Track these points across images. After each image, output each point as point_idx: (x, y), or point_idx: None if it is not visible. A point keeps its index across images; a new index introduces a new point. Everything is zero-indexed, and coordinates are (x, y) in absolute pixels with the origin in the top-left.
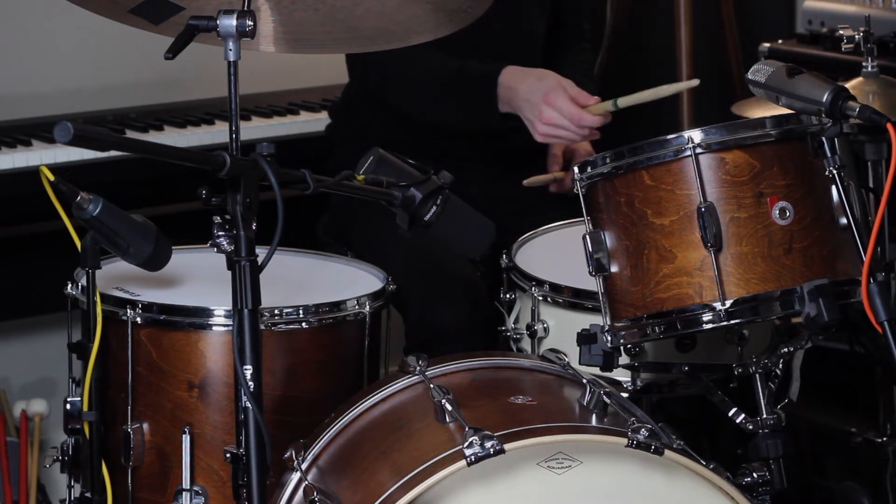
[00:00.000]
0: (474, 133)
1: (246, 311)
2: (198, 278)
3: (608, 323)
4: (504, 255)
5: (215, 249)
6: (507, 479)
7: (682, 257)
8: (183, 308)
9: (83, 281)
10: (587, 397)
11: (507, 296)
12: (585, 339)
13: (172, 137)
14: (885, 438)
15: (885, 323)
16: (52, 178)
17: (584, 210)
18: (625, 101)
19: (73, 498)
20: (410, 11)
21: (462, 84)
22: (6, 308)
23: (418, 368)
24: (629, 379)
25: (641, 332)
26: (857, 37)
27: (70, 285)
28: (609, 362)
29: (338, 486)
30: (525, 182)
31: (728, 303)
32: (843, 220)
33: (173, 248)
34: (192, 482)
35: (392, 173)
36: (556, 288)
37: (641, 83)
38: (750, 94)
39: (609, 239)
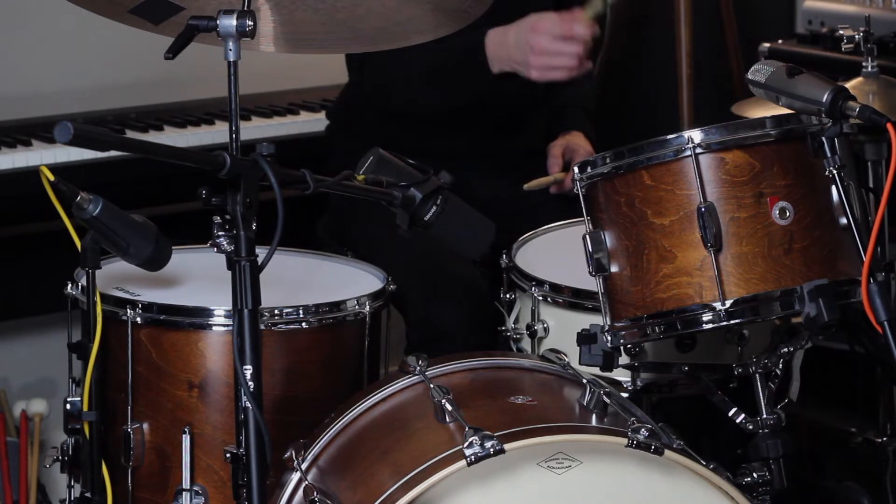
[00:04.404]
0: (476, 129)
1: (246, 311)
2: (198, 278)
3: (608, 323)
4: (504, 255)
5: (215, 249)
6: (507, 479)
7: (682, 257)
8: (183, 308)
9: (83, 281)
10: (587, 397)
11: (507, 296)
12: (585, 339)
13: (172, 137)
14: (885, 438)
15: (885, 323)
16: (52, 178)
17: (584, 210)
18: None
19: (73, 498)
20: (410, 11)
21: (451, 59)
22: (6, 308)
23: (418, 368)
24: (629, 379)
25: (641, 332)
26: (857, 37)
27: (70, 285)
28: (609, 362)
29: (338, 486)
30: (525, 186)
31: (728, 303)
32: (843, 220)
33: (173, 248)
34: (192, 482)
35: (392, 173)
36: (556, 288)
37: (641, 83)
38: (750, 94)
39: (609, 239)
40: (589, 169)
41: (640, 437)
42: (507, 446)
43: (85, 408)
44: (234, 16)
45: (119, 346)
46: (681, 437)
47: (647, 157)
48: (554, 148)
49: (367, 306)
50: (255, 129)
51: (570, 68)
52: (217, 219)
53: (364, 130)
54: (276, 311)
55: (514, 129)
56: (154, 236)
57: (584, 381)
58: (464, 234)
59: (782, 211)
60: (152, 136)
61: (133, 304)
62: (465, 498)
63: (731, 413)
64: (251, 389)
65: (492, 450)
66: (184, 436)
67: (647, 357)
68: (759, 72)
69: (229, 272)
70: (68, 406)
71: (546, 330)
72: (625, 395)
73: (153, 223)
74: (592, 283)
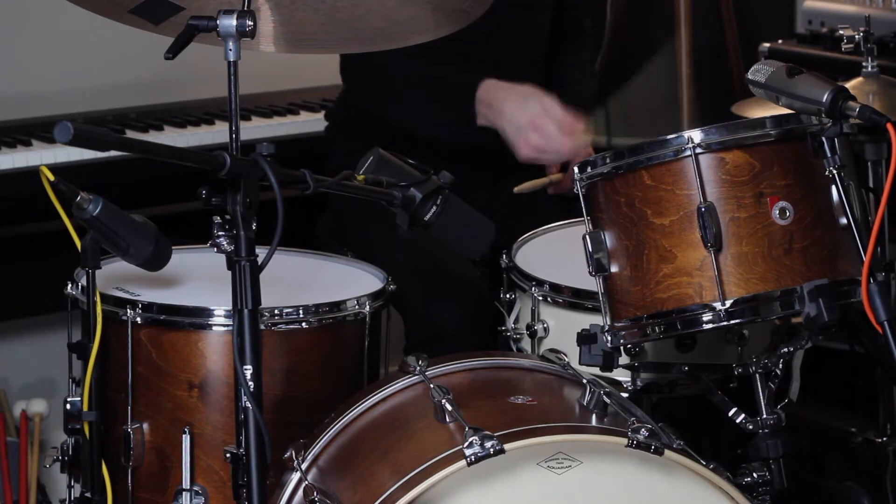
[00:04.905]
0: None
1: (246, 311)
2: (198, 278)
3: (608, 323)
4: (504, 255)
5: (215, 249)
6: (507, 479)
7: (682, 257)
8: (183, 308)
9: (83, 281)
10: (587, 397)
11: (507, 296)
12: (585, 339)
13: (172, 137)
14: (885, 438)
15: (885, 323)
16: (52, 178)
17: (584, 210)
18: (619, 140)
19: (73, 498)
20: (410, 11)
21: (439, 95)
22: (6, 308)
23: (418, 368)
24: (629, 379)
25: (641, 332)
26: (857, 37)
27: (70, 285)
28: (609, 362)
29: (338, 486)
30: (515, 189)
31: (728, 303)
32: (843, 220)
33: (173, 248)
34: (192, 482)
35: (392, 173)
36: (556, 288)
37: (641, 83)
38: (750, 94)
39: (609, 239)
40: (589, 169)
41: (640, 437)
42: (507, 446)
43: (85, 408)
44: (234, 16)
45: (119, 346)
46: (681, 437)
47: (647, 157)
48: None
49: (367, 306)
50: (255, 129)
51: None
52: (217, 219)
53: (364, 130)
54: (276, 311)
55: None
56: (154, 236)
57: (584, 381)
58: (464, 234)
59: (782, 211)
60: (152, 136)
61: (133, 304)
62: (465, 498)
63: (731, 413)
64: (251, 389)
65: (492, 450)
66: (184, 436)
67: (647, 357)
68: (759, 72)
69: (229, 272)
70: (68, 406)
71: (546, 330)
72: (625, 395)
73: (153, 223)
74: (592, 283)
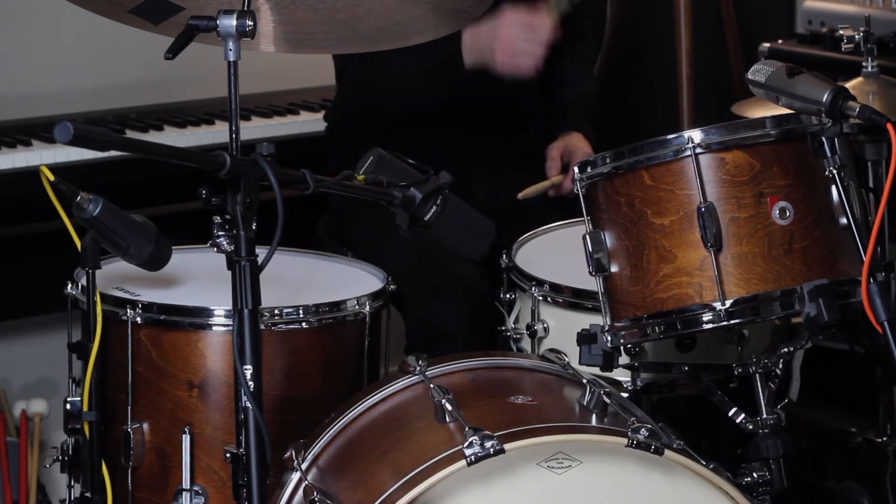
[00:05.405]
0: (476, 130)
1: (246, 311)
2: (198, 278)
3: (608, 323)
4: (504, 255)
5: (215, 249)
6: (507, 479)
7: (682, 257)
8: (183, 308)
9: (83, 281)
10: (587, 397)
11: (507, 296)
12: (585, 339)
13: (172, 137)
14: (885, 438)
15: (885, 323)
16: (52, 178)
17: (584, 210)
18: None
19: (73, 498)
20: (410, 11)
21: (428, 54)
22: (6, 308)
23: (418, 368)
24: (629, 379)
25: (641, 332)
26: (857, 37)
27: (70, 285)
28: (609, 362)
29: (338, 486)
30: (520, 195)
31: (728, 303)
32: (843, 220)
33: (173, 248)
34: (192, 482)
35: (392, 173)
36: (556, 288)
37: (641, 82)
38: (750, 94)
39: (609, 239)
40: (589, 169)
41: (640, 437)
42: (507, 446)
43: (85, 408)
44: (234, 16)
45: (119, 346)
46: (681, 437)
47: (647, 157)
48: (552, 150)
49: (367, 306)
50: (255, 129)
51: (533, 61)
52: (217, 219)
53: (363, 130)
54: (276, 311)
55: (514, 129)
56: (154, 236)
57: (584, 381)
58: (464, 234)
59: (782, 211)
60: (152, 136)
61: (133, 304)
62: (465, 498)
63: (731, 413)
64: (251, 389)
65: (492, 450)
66: (184, 436)
67: (647, 357)
68: (759, 72)
69: (229, 272)
70: (68, 406)
71: (546, 330)
72: (625, 395)
73: (153, 223)
74: (592, 283)
